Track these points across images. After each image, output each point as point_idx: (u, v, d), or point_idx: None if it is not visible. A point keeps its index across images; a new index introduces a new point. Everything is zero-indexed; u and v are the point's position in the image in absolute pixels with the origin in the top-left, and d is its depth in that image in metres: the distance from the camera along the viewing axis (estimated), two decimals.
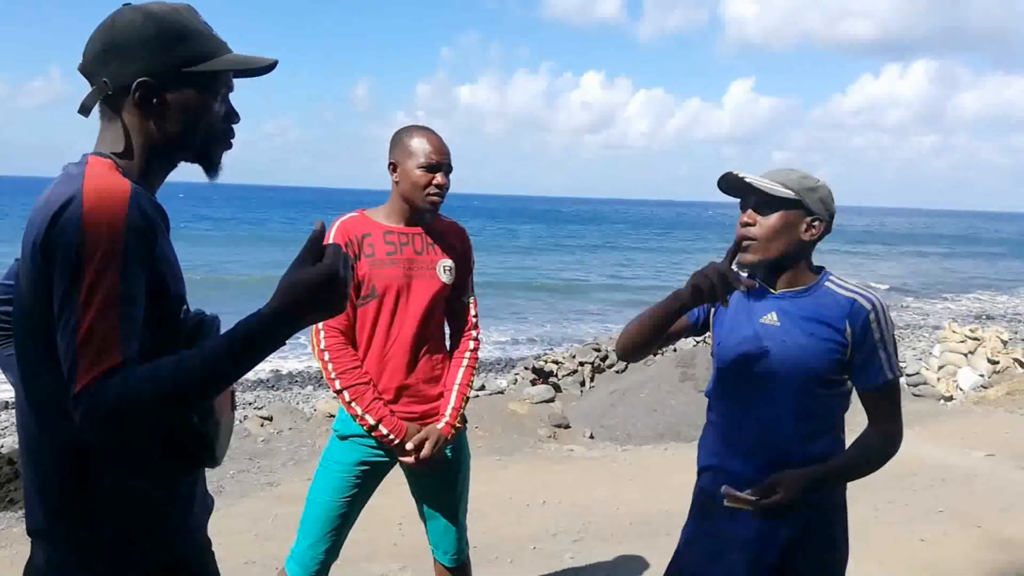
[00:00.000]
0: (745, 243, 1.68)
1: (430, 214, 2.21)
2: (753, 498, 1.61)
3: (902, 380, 9.17)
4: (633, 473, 5.25)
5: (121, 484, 1.18)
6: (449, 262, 2.23)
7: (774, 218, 1.66)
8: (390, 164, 2.17)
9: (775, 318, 1.70)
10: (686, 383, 7.22)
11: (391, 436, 2.12)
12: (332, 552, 2.23)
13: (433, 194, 2.13)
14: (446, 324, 2.35)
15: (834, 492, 1.76)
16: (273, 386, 15.24)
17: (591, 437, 6.57)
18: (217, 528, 4.53)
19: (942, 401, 8.56)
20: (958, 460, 5.29)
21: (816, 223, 1.67)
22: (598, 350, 9.30)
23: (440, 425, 2.19)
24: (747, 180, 1.66)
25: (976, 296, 24.96)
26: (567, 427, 6.63)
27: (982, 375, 9.45)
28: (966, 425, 6.56)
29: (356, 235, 2.14)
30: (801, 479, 1.62)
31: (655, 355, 9.58)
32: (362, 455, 2.19)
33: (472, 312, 2.35)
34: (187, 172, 1.33)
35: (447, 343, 2.35)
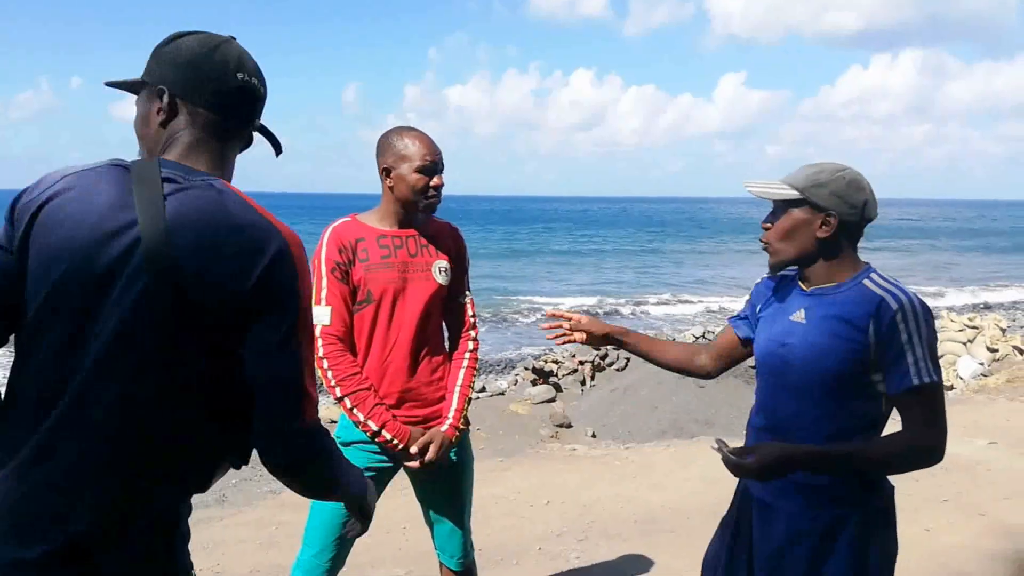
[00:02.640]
0: (763, 247, 1.73)
1: (423, 215, 2.20)
2: (727, 451, 1.60)
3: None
4: (636, 471, 5.24)
5: (184, 496, 1.26)
6: (444, 263, 2.22)
7: (782, 220, 1.68)
8: (382, 169, 2.15)
9: (803, 316, 1.69)
10: (687, 379, 7.21)
11: (395, 441, 2.11)
12: (338, 560, 2.22)
13: (432, 196, 2.13)
14: (444, 326, 2.34)
15: (865, 495, 1.69)
16: None
17: (593, 436, 6.56)
18: (222, 536, 4.53)
19: None
20: (961, 449, 5.29)
21: (830, 218, 1.64)
22: (597, 349, 9.29)
23: (443, 428, 2.18)
24: (748, 189, 1.69)
25: (973, 288, 24.96)
26: (569, 427, 6.63)
27: (982, 363, 9.45)
28: (967, 414, 6.56)
29: (349, 240, 2.13)
30: (778, 450, 1.57)
31: None
32: (365, 461, 2.17)
33: (470, 312, 2.33)
34: None
35: (446, 345, 2.34)
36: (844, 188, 1.64)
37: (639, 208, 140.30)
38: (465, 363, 2.29)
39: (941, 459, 1.60)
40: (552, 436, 6.34)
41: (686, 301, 22.44)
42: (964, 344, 10.26)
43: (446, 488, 2.31)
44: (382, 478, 2.24)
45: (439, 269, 2.20)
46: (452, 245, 2.27)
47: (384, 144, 2.16)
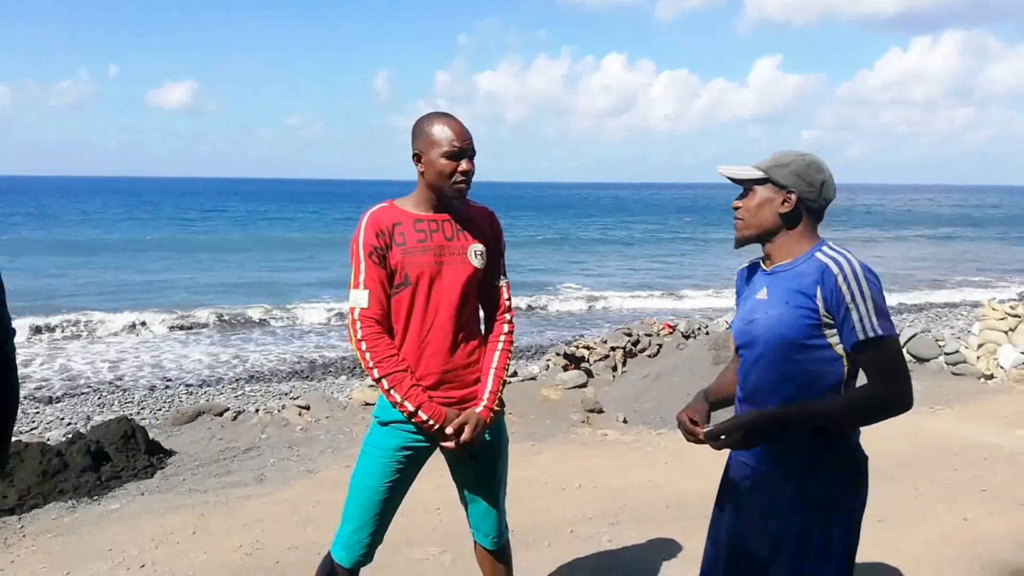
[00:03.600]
0: (735, 222, 1.92)
1: (459, 200, 2.22)
2: (708, 430, 1.80)
3: (940, 359, 8.99)
4: (667, 457, 5.24)
5: None
6: (480, 246, 2.24)
7: (749, 197, 1.88)
8: (414, 155, 2.17)
9: (765, 293, 1.88)
10: (719, 366, 7.16)
11: (430, 421, 2.14)
12: (377, 536, 2.26)
13: (459, 181, 2.14)
14: (480, 309, 2.36)
15: (825, 454, 1.81)
16: (308, 376, 15.46)
17: (624, 422, 6.56)
18: (260, 514, 4.63)
19: (982, 379, 8.40)
20: (1000, 439, 5.19)
21: (790, 195, 1.82)
22: (629, 335, 9.26)
23: (479, 409, 2.21)
24: (721, 172, 1.90)
25: (1016, 278, 24.31)
26: (600, 412, 6.63)
27: (1023, 352, 9.23)
28: (1008, 403, 6.43)
29: (387, 225, 2.16)
30: (754, 414, 1.76)
31: (687, 338, 9.52)
32: (403, 440, 2.21)
33: (505, 295, 2.35)
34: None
35: (481, 328, 2.36)
36: (804, 168, 1.83)
37: (669, 195, 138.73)
38: (500, 345, 2.31)
39: (909, 406, 1.73)
40: (583, 421, 6.35)
41: (718, 293, 22.17)
42: (1005, 333, 10.03)
43: (482, 468, 2.34)
44: (418, 457, 2.27)
45: (475, 253, 2.22)
46: (488, 229, 2.29)
47: (416, 130, 2.18)
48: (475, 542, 2.45)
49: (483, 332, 2.36)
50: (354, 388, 9.86)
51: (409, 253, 2.15)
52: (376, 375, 2.14)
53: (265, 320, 19.66)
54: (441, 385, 2.21)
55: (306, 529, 3.91)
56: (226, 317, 19.64)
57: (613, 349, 8.92)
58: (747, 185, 1.89)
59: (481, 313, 2.37)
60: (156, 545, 3.74)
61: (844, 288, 1.72)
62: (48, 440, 5.61)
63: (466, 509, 2.41)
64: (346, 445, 5.45)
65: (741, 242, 1.94)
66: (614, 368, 8.73)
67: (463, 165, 2.12)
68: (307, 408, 6.30)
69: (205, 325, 19.13)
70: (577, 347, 9.14)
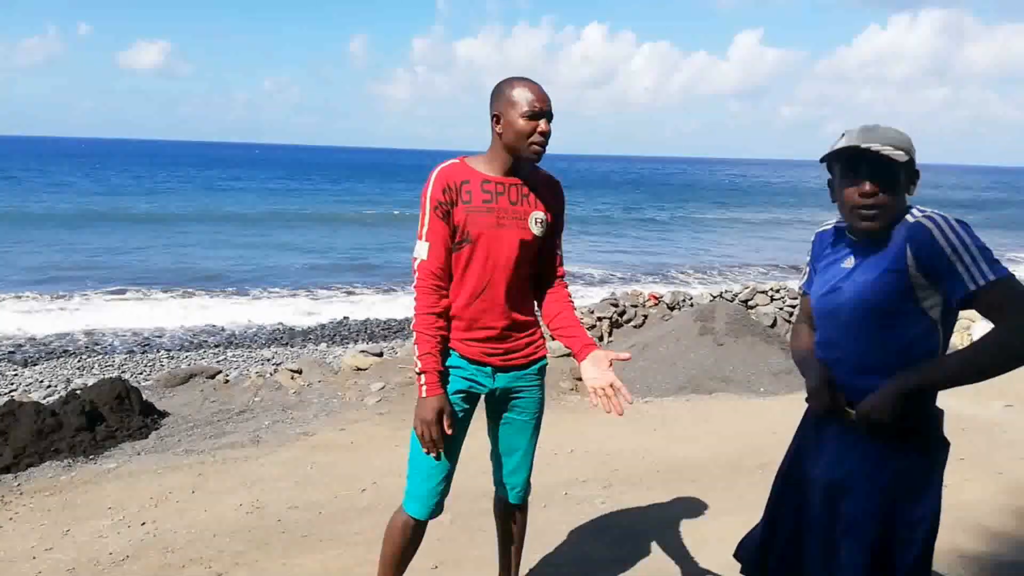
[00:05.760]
0: (865, 212, 1.70)
1: (531, 163, 2.24)
2: (855, 412, 1.72)
3: None
4: (656, 424, 5.36)
5: None
6: (541, 214, 2.27)
7: (897, 183, 1.70)
8: (493, 116, 2.20)
9: (852, 261, 1.78)
10: (705, 336, 7.29)
11: (424, 388, 2.16)
12: (446, 483, 2.29)
13: (537, 142, 2.17)
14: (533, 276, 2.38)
15: (914, 430, 1.73)
16: (287, 343, 15.47)
17: None
18: (258, 475, 4.67)
19: None
20: (977, 411, 5.37)
21: (917, 179, 1.74)
22: (615, 305, 9.36)
23: (596, 352, 2.23)
24: (871, 148, 1.66)
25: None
26: None
27: None
28: None
29: (455, 182, 2.20)
30: (893, 388, 1.66)
31: (672, 309, 9.65)
32: (457, 384, 2.26)
33: (562, 269, 2.41)
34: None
35: (532, 293, 2.39)
36: (909, 143, 1.71)
37: (651, 169, 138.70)
38: (573, 305, 2.38)
39: None
40: (572, 389, 6.45)
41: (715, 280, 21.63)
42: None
43: (525, 425, 2.39)
44: (472, 400, 2.32)
45: (535, 220, 2.25)
46: (552, 198, 2.32)
47: (496, 92, 2.22)
48: (497, 497, 2.51)
49: (540, 294, 2.40)
50: (333, 354, 9.89)
51: (473, 212, 2.18)
52: (413, 325, 2.23)
53: (242, 289, 19.59)
54: (489, 341, 2.27)
55: (305, 489, 3.97)
56: (206, 285, 19.52)
57: (599, 319, 9.02)
58: (892, 169, 1.68)
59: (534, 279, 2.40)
60: (156, 504, 3.78)
61: (942, 241, 1.61)
62: (47, 400, 5.59)
63: (497, 464, 2.46)
64: (340, 409, 5.50)
65: (874, 232, 1.73)
66: (600, 338, 8.84)
67: (541, 126, 2.15)
68: (299, 372, 6.33)
69: (183, 294, 19.02)
70: None
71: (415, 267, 2.22)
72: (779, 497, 1.99)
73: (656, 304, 9.62)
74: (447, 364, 2.26)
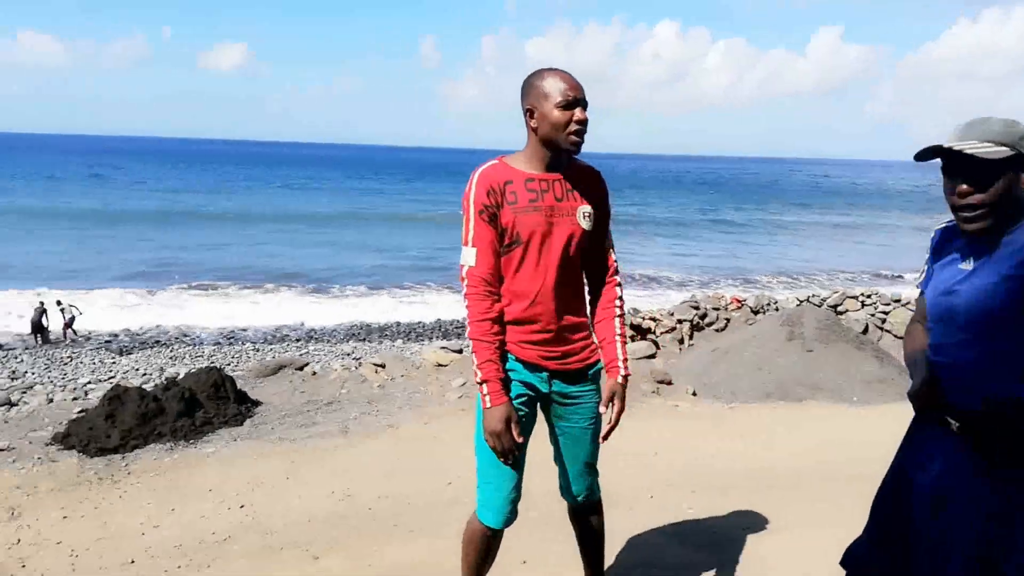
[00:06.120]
0: (966, 215, 1.63)
1: (569, 156, 2.19)
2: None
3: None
4: (743, 430, 5.22)
5: None
6: (588, 208, 2.22)
7: (996, 182, 1.59)
8: (526, 111, 2.15)
9: (971, 263, 1.69)
10: (793, 342, 7.07)
11: (488, 398, 2.13)
12: (517, 491, 2.27)
13: (574, 131, 2.11)
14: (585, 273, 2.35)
15: None
16: (364, 339, 15.87)
17: (694, 394, 6.54)
18: (348, 464, 4.77)
19: None
20: None
21: None
22: (696, 307, 9.18)
23: (618, 379, 2.25)
24: (955, 148, 1.59)
25: None
26: (669, 383, 6.62)
27: None
28: None
29: (498, 183, 2.15)
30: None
31: (756, 314, 9.39)
32: (518, 389, 2.23)
33: (612, 258, 2.35)
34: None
35: (586, 289, 2.36)
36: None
37: (727, 168, 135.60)
38: (617, 311, 2.31)
39: None
40: (654, 392, 6.35)
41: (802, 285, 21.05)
42: None
43: (587, 433, 2.34)
44: (533, 404, 2.28)
45: (583, 214, 2.21)
46: (595, 191, 2.27)
47: (526, 85, 2.16)
48: (568, 504, 2.47)
49: (591, 294, 2.36)
50: (422, 350, 10.06)
51: (521, 212, 2.14)
52: (468, 334, 2.17)
53: (320, 286, 20.22)
54: (546, 344, 2.23)
55: (392, 480, 4.04)
56: (285, 281, 20.21)
57: (680, 322, 8.86)
58: (990, 166, 1.58)
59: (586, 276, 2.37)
60: (252, 488, 3.92)
61: None
62: (147, 384, 5.88)
63: (562, 470, 2.41)
64: (422, 403, 5.58)
65: (981, 233, 1.65)
66: (680, 341, 8.68)
67: (577, 114, 2.10)
68: (382, 366, 6.45)
69: (264, 290, 19.75)
70: (643, 318, 9.09)
71: (463, 274, 2.17)
72: (883, 510, 1.92)
73: (739, 308, 9.39)
74: (506, 368, 2.22)
